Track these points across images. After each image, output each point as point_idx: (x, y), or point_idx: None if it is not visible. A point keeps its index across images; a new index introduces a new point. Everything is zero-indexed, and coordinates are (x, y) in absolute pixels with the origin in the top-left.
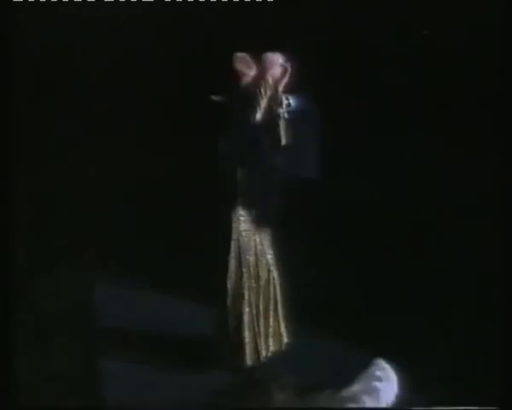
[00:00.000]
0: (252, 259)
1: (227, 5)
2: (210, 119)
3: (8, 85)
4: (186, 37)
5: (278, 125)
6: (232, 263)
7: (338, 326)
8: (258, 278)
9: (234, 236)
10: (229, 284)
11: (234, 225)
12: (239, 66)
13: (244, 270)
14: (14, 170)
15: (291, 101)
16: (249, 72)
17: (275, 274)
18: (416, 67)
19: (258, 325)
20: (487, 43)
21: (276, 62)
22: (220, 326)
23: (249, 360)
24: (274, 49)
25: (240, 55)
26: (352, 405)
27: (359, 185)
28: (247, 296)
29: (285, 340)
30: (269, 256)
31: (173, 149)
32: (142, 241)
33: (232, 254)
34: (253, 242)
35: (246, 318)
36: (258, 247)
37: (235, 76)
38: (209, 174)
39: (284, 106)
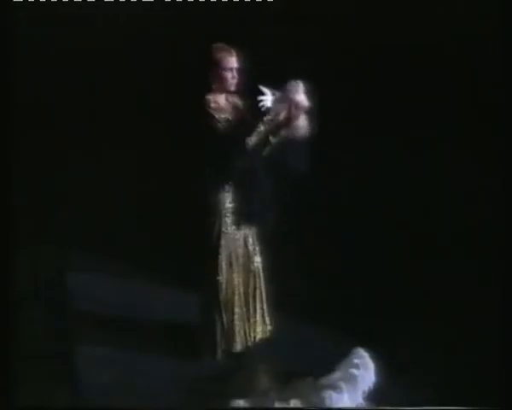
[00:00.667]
0: (240, 250)
1: (227, 5)
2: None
3: (8, 85)
4: (186, 37)
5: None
6: (222, 254)
7: (322, 316)
8: (247, 268)
9: (223, 228)
10: (220, 274)
11: (222, 219)
12: (218, 55)
13: (233, 260)
14: (14, 170)
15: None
16: (230, 59)
17: (259, 264)
18: (415, 67)
19: (248, 314)
20: (488, 43)
21: (300, 92)
22: (209, 314)
23: (236, 347)
24: (274, 50)
25: (218, 44)
26: (330, 392)
27: (357, 185)
28: (236, 285)
29: (269, 328)
30: (255, 247)
31: (172, 147)
32: (137, 234)
33: (222, 246)
34: (241, 234)
35: (236, 306)
36: (248, 238)
37: (215, 66)
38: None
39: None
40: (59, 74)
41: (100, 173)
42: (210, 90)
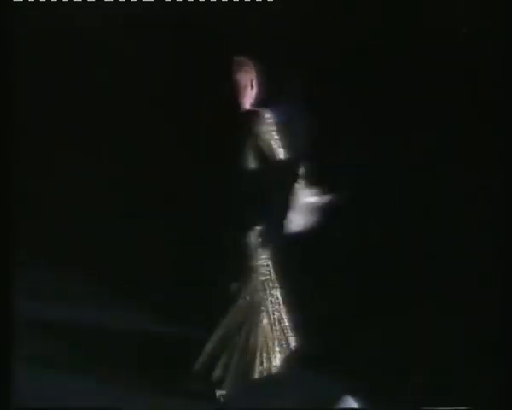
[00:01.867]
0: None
1: (227, 5)
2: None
3: (8, 85)
4: (186, 37)
5: None
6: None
7: (311, 360)
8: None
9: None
10: (226, 319)
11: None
12: (238, 67)
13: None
14: (14, 170)
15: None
16: (250, 71)
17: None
18: (415, 67)
19: (243, 354)
20: (488, 43)
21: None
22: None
23: (226, 387)
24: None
25: (240, 58)
26: None
27: (356, 185)
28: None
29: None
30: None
31: (173, 149)
32: (143, 259)
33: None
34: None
35: (235, 347)
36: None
37: (235, 80)
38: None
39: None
40: (59, 74)
41: (100, 173)
42: (231, 105)
